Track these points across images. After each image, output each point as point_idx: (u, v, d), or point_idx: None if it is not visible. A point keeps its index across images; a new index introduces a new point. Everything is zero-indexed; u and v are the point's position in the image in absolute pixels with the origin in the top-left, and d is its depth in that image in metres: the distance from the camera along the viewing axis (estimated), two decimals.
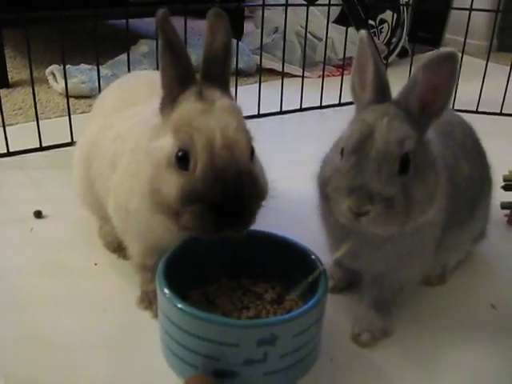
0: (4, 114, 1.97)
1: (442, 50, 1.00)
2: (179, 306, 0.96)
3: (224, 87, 1.09)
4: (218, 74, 1.08)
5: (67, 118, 2.06)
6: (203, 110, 1.00)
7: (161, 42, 1.04)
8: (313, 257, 1.13)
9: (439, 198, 1.06)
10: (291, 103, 2.60)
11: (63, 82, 2.29)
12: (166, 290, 0.99)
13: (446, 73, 1.00)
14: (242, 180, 0.96)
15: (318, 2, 3.28)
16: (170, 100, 1.06)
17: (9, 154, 1.96)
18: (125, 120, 1.25)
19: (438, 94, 1.02)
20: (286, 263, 1.16)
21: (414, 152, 1.01)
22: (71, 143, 1.99)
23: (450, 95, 1.03)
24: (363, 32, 1.09)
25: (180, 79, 1.05)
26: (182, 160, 0.98)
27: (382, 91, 1.07)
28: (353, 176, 0.99)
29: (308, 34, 2.73)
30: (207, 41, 1.09)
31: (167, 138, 1.02)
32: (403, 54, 3.63)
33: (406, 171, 1.00)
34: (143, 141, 1.10)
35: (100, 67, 2.14)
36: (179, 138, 0.99)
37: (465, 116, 1.41)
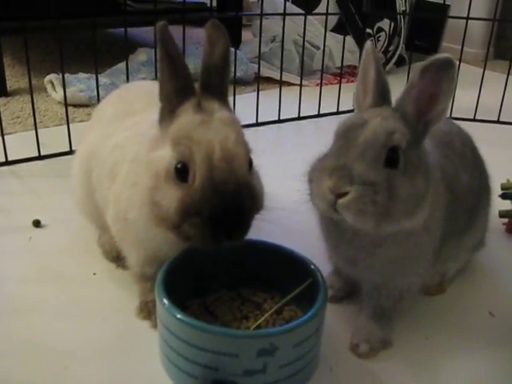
0: (2, 123, 1.97)
1: (439, 55, 1.00)
2: (178, 316, 0.96)
3: (223, 98, 1.09)
4: (217, 84, 1.09)
5: (66, 126, 2.06)
6: (202, 122, 1.00)
7: (160, 53, 1.04)
8: (312, 266, 1.13)
9: (432, 206, 1.05)
10: (289, 112, 2.61)
11: (62, 90, 2.29)
12: (166, 301, 0.99)
13: (443, 79, 1.01)
14: (240, 192, 0.96)
15: (315, 11, 3.30)
16: (168, 111, 1.06)
17: (7, 162, 1.96)
18: (123, 130, 1.25)
19: (434, 100, 1.03)
20: (286, 273, 1.16)
21: (405, 151, 1.01)
22: (70, 152, 1.99)
23: (447, 102, 1.03)
24: (369, 43, 1.10)
25: (179, 91, 1.05)
26: (181, 172, 0.98)
27: (382, 96, 1.08)
28: (336, 157, 1.00)
29: (306, 42, 2.74)
30: (206, 52, 1.09)
31: (166, 149, 1.02)
32: (400, 62, 3.64)
33: (395, 166, 1.00)
34: (142, 151, 1.10)
35: (98, 76, 2.14)
36: (178, 150, 0.99)
37: (462, 124, 1.41)
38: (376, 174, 0.97)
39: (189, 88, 1.06)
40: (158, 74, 1.06)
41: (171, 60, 1.03)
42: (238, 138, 1.01)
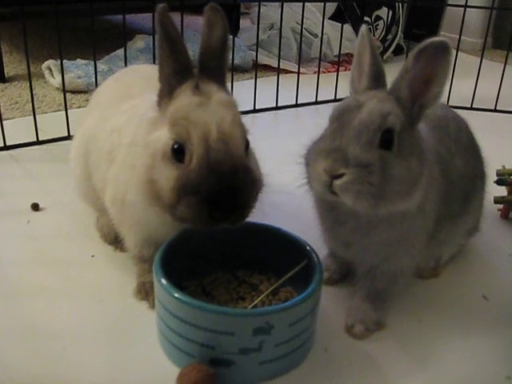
0: (1, 109, 1.97)
1: (434, 39, 1.01)
2: (176, 295, 0.98)
3: (221, 81, 1.10)
4: (215, 67, 1.09)
5: (63, 112, 2.06)
6: (199, 104, 1.01)
7: (159, 35, 1.04)
8: (308, 248, 1.14)
9: (426, 188, 1.07)
10: (287, 99, 2.61)
11: (60, 76, 2.30)
12: (163, 280, 1.01)
13: (437, 62, 1.01)
14: (236, 173, 0.97)
15: None
16: (167, 93, 1.07)
17: (6, 147, 1.97)
18: (121, 113, 1.25)
19: (429, 84, 1.03)
20: (282, 255, 1.18)
21: (399, 133, 1.02)
22: (68, 137, 2.00)
23: (441, 86, 1.04)
24: (364, 28, 1.10)
25: (178, 73, 1.06)
26: (178, 152, 0.99)
27: (377, 80, 1.09)
28: (332, 139, 1.01)
29: (304, 30, 2.74)
30: (204, 35, 1.10)
31: (164, 130, 1.03)
32: (398, 51, 3.64)
33: (389, 148, 1.01)
34: (140, 134, 1.11)
35: (96, 62, 2.14)
36: (175, 131, 1.00)
37: (459, 112, 1.42)
38: (370, 156, 0.98)
39: (187, 70, 1.07)
40: (158, 56, 1.07)
41: (171, 41, 1.04)
42: (234, 119, 1.02)
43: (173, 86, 1.06)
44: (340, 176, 0.98)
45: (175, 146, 0.99)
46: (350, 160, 0.98)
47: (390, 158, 1.00)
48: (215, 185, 0.95)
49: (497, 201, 1.66)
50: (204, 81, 1.06)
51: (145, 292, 1.23)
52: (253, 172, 1.03)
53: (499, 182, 1.64)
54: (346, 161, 0.97)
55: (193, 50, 3.09)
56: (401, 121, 1.02)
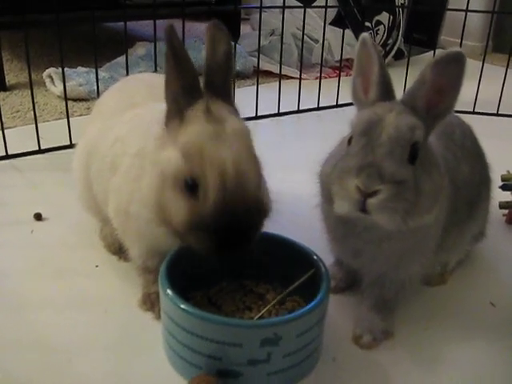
0: (2, 117, 1.96)
1: (451, 49, 1.00)
2: (182, 306, 0.97)
3: (227, 97, 1.08)
4: (221, 84, 1.08)
5: (65, 120, 2.06)
6: (214, 135, 0.98)
7: (167, 54, 1.02)
8: (315, 257, 1.13)
9: (442, 198, 1.06)
10: (288, 105, 2.61)
11: (61, 84, 2.29)
12: (169, 291, 1.00)
13: (453, 73, 1.01)
14: (250, 213, 0.97)
15: (314, 4, 3.30)
16: (175, 113, 1.04)
17: (7, 156, 1.96)
18: (124, 123, 1.25)
19: (444, 94, 1.03)
20: (288, 264, 1.17)
21: (420, 146, 1.01)
22: (70, 146, 1.99)
23: (456, 97, 1.03)
24: (365, 35, 1.10)
25: (185, 91, 1.03)
26: (191, 186, 0.97)
27: (386, 91, 1.07)
28: (363, 155, 0.98)
29: (305, 36, 2.73)
30: (208, 52, 1.08)
31: (174, 153, 1.00)
32: (399, 55, 3.64)
33: (413, 162, 1.00)
34: (147, 146, 1.10)
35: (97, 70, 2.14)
36: (189, 164, 0.98)
37: (462, 117, 1.42)
38: (406, 171, 0.97)
39: (195, 88, 1.04)
40: (165, 75, 1.04)
41: (178, 60, 1.01)
42: (249, 153, 1.01)
43: (181, 106, 1.03)
44: (374, 193, 0.95)
45: (189, 180, 0.97)
46: (386, 176, 0.95)
47: (417, 172, 0.99)
48: (228, 226, 0.94)
49: (502, 206, 1.65)
50: (213, 101, 1.04)
51: (150, 303, 1.22)
52: (265, 206, 1.02)
53: (504, 188, 1.64)
54: (381, 177, 0.95)
55: (194, 56, 3.10)
56: (423, 133, 1.01)
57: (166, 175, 1.01)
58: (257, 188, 1.00)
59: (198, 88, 1.05)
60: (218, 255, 0.97)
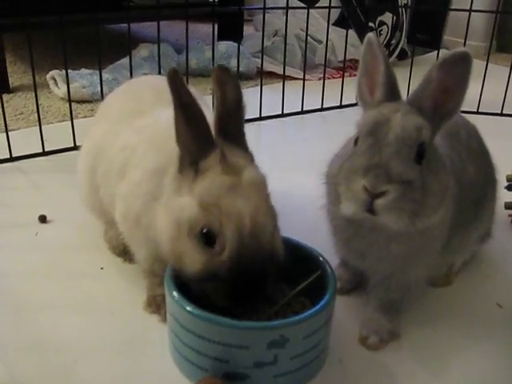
0: (6, 119, 1.97)
1: (457, 49, 1.00)
2: (188, 308, 0.96)
3: (242, 143, 1.08)
4: (234, 130, 1.07)
5: (69, 122, 2.06)
6: (231, 186, 0.98)
7: (174, 103, 1.00)
8: (321, 258, 1.13)
9: (448, 198, 1.06)
10: (292, 106, 2.61)
11: (64, 86, 2.30)
12: (175, 294, 1.00)
13: (460, 73, 1.00)
14: (265, 265, 0.97)
15: (317, 5, 3.29)
16: (189, 162, 1.02)
17: (12, 159, 1.96)
18: (133, 132, 1.24)
19: (450, 94, 1.02)
20: (294, 265, 1.16)
21: (427, 146, 1.00)
22: (74, 148, 1.99)
23: (462, 97, 1.03)
24: (371, 34, 1.09)
25: (197, 140, 1.02)
26: (208, 238, 0.97)
27: (392, 91, 1.07)
28: (370, 155, 0.97)
29: (308, 36, 2.73)
30: (218, 97, 1.06)
31: (191, 204, 0.99)
32: (402, 55, 3.64)
33: (420, 162, 0.99)
34: (167, 167, 1.10)
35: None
36: (207, 216, 0.97)
37: (466, 117, 1.41)
38: (413, 172, 0.97)
39: (207, 136, 1.03)
40: (174, 123, 1.02)
41: (185, 108, 1.00)
42: (266, 204, 1.01)
43: (194, 155, 1.02)
44: (382, 194, 0.95)
45: (205, 231, 0.97)
46: (393, 176, 0.95)
47: (424, 172, 0.99)
48: (244, 277, 0.95)
49: (508, 206, 1.65)
50: (227, 148, 1.03)
51: (156, 305, 1.22)
52: (279, 257, 1.03)
53: (510, 188, 1.63)
54: (389, 177, 0.94)
55: (196, 58, 3.11)
56: (430, 133, 1.01)
57: (182, 223, 1.00)
58: (272, 239, 1.00)
59: (210, 136, 1.03)
60: (233, 305, 0.98)
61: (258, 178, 1.03)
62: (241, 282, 0.95)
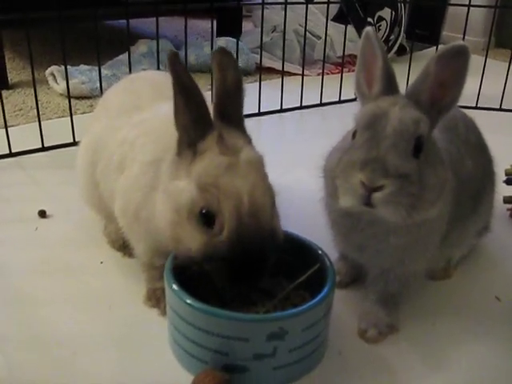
0: (5, 115, 1.97)
1: (455, 43, 1.00)
2: (188, 301, 0.97)
3: (240, 125, 1.08)
4: (233, 112, 1.07)
5: (68, 118, 2.06)
6: (229, 167, 0.98)
7: (173, 84, 1.00)
8: (320, 252, 1.13)
9: (446, 192, 1.06)
10: (291, 101, 2.61)
11: (64, 82, 2.30)
12: (175, 286, 1.00)
13: (457, 66, 1.01)
14: (264, 244, 0.97)
15: (316, 0, 3.29)
16: (187, 143, 1.03)
17: (11, 154, 1.97)
18: (132, 126, 1.24)
19: (448, 88, 1.03)
20: (293, 259, 1.17)
21: (425, 139, 1.01)
22: (73, 143, 2.00)
23: (460, 90, 1.03)
24: (369, 29, 1.09)
25: (195, 122, 1.02)
26: (207, 218, 0.98)
27: (390, 85, 1.07)
28: (367, 149, 0.98)
29: (307, 32, 2.73)
30: (217, 80, 1.07)
31: (189, 186, 1.00)
32: (401, 51, 3.64)
33: (418, 156, 1.00)
34: (163, 159, 1.10)
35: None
36: (205, 197, 0.97)
37: (465, 111, 1.42)
38: (410, 165, 0.97)
39: (206, 119, 1.03)
40: (173, 105, 1.02)
41: (185, 91, 1.01)
42: (264, 183, 1.01)
43: (193, 136, 1.02)
44: (379, 188, 0.95)
45: (204, 212, 0.98)
46: (390, 170, 0.95)
47: (422, 166, 0.99)
48: (244, 256, 0.95)
49: (506, 200, 1.65)
50: (226, 130, 1.04)
51: (155, 299, 1.22)
52: (278, 236, 1.03)
53: (508, 182, 1.63)
54: (386, 171, 0.95)
55: (195, 54, 3.11)
56: (428, 127, 1.01)
57: (181, 206, 1.00)
58: (270, 218, 1.00)
59: (209, 118, 1.04)
60: (233, 284, 0.98)
61: (255, 157, 1.03)
62: (240, 261, 0.95)
